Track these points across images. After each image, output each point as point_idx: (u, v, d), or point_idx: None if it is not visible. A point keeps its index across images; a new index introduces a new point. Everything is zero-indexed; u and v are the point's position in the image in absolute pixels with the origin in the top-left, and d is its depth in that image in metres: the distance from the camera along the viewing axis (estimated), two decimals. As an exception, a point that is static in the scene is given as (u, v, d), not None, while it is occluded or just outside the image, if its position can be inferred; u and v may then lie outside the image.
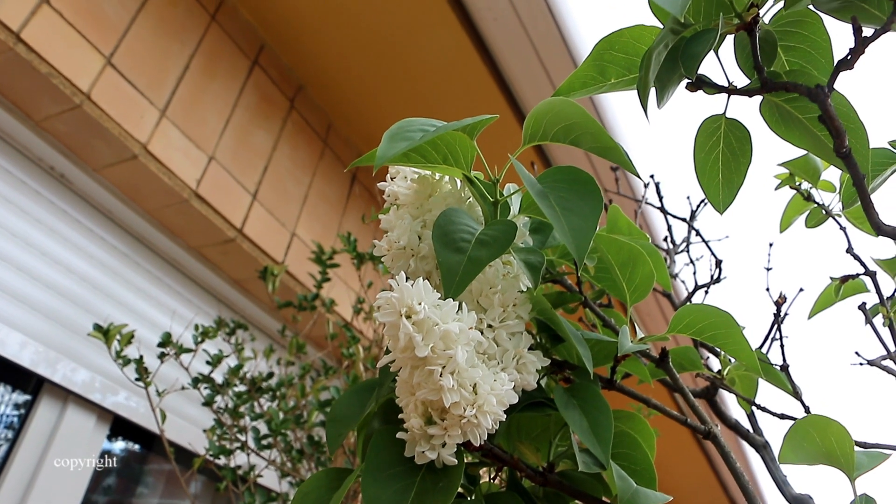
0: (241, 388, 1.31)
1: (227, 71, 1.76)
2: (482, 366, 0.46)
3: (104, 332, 1.22)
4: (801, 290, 0.82)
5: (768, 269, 0.86)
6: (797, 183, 0.71)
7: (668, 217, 0.95)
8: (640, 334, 0.58)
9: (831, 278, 0.71)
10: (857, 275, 0.68)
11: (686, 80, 0.50)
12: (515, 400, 0.46)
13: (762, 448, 0.73)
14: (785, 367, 0.62)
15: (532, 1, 1.57)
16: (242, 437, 1.28)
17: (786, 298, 0.65)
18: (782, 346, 0.64)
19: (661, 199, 0.90)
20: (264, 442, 1.24)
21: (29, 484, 1.33)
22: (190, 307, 1.76)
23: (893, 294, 0.68)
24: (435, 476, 0.46)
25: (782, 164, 0.69)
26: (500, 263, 0.51)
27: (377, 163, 0.45)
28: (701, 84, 0.49)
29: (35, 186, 1.46)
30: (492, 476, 0.53)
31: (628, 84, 0.53)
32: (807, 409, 0.61)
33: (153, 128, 1.52)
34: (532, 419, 0.57)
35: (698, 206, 0.93)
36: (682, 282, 0.97)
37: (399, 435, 0.46)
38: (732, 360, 0.71)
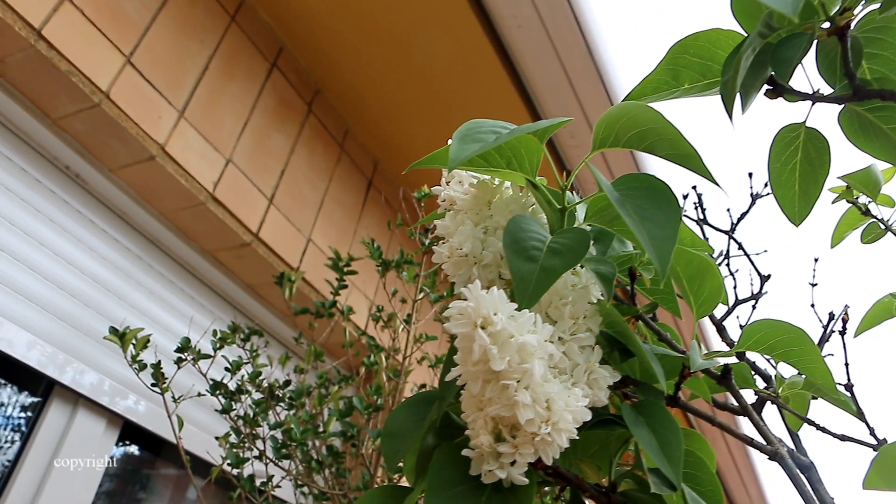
0: (258, 395, 1.28)
1: (245, 73, 1.74)
2: (555, 381, 0.44)
3: (120, 336, 1.19)
4: (848, 306, 0.79)
5: (813, 285, 0.83)
6: (855, 197, 0.69)
7: (705, 229, 0.93)
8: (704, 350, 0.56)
9: (892, 295, 0.69)
10: (923, 292, 0.66)
11: (766, 87, 0.48)
12: (589, 417, 0.44)
13: (807, 469, 0.71)
14: (850, 387, 0.60)
15: (558, 9, 1.56)
16: (259, 446, 1.25)
17: (848, 315, 0.63)
18: (847, 364, 0.61)
19: (703, 210, 0.88)
20: (283, 452, 1.21)
21: (39, 487, 1.30)
22: (202, 311, 1.74)
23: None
24: (501, 497, 0.44)
25: (842, 178, 0.67)
26: (568, 274, 0.49)
27: (450, 165, 0.43)
28: (782, 91, 0.47)
29: (50, 186, 1.43)
30: (555, 496, 0.51)
31: (702, 90, 0.51)
32: (872, 432, 0.58)
33: (171, 129, 1.50)
34: (589, 436, 0.54)
35: (739, 218, 0.91)
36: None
37: (465, 452, 0.44)
38: (786, 378, 0.69)
